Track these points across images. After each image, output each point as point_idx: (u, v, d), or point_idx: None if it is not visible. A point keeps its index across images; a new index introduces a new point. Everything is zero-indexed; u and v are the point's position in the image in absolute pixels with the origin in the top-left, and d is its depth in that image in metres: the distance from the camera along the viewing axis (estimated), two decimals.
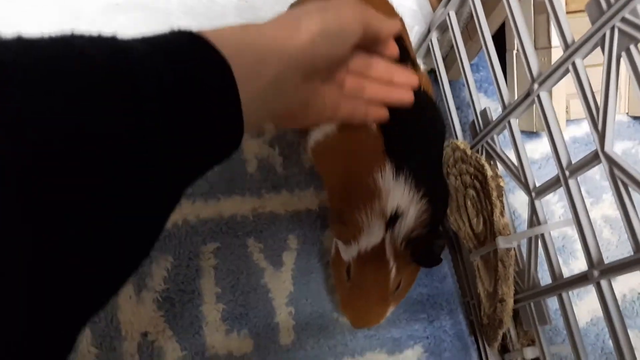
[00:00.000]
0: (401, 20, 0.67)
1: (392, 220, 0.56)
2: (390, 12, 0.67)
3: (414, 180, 0.56)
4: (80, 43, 0.25)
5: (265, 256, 0.69)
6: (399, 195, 0.55)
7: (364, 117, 0.46)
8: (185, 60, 0.27)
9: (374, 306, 0.59)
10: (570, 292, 0.54)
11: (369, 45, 0.43)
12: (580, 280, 0.50)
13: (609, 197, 0.84)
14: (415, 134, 0.59)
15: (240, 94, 0.29)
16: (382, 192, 0.55)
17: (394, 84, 0.45)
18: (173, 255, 0.66)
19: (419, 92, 0.60)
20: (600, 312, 0.51)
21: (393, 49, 0.46)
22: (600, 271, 0.48)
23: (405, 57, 0.60)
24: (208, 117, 0.27)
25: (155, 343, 0.63)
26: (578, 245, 0.79)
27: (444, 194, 0.64)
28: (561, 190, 0.52)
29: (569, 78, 0.51)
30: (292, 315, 0.67)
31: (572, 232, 0.81)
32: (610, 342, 0.74)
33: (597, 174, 0.86)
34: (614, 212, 0.84)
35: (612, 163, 0.45)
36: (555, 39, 0.73)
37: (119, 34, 0.28)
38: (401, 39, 0.62)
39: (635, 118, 0.92)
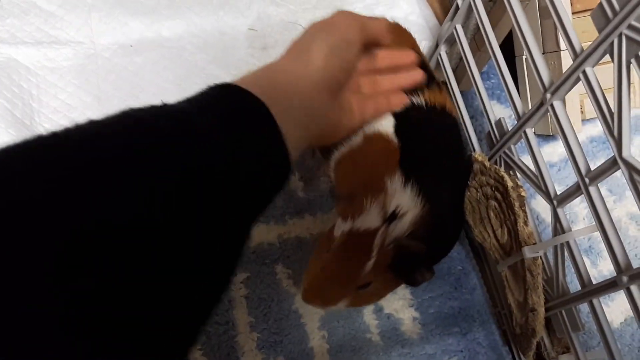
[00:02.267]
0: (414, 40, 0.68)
1: (391, 218, 0.56)
2: (408, 39, 0.68)
3: (420, 192, 0.57)
4: (144, 117, 0.27)
5: (294, 282, 0.71)
6: (402, 198, 0.57)
7: (389, 109, 0.50)
8: (231, 112, 0.30)
9: (332, 286, 0.57)
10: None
11: (370, 45, 0.46)
12: (609, 286, 0.50)
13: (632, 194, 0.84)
14: (431, 147, 0.60)
15: (280, 128, 0.31)
16: (388, 191, 0.57)
17: (400, 68, 0.49)
18: None
19: (443, 113, 0.62)
20: None
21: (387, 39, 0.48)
22: (629, 276, 0.48)
23: (430, 79, 0.61)
24: (259, 158, 0.30)
25: None
26: None
27: (454, 222, 0.64)
28: (581, 194, 0.53)
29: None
30: (326, 339, 0.68)
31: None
32: None
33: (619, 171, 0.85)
34: None
35: (631, 169, 0.46)
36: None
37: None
38: (424, 63, 0.63)
39: None
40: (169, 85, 0.83)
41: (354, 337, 0.68)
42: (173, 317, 0.25)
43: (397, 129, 0.59)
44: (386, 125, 0.59)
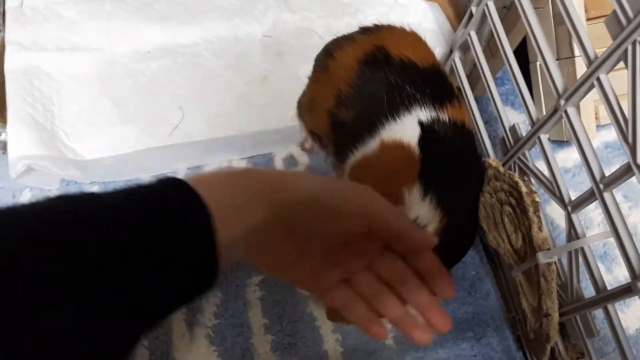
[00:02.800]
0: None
1: None
2: (423, 48, 0.68)
3: (439, 206, 0.56)
4: (70, 207, 0.27)
5: None
6: (422, 210, 0.56)
7: (365, 327, 0.39)
8: (166, 207, 0.29)
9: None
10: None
11: (393, 244, 0.39)
12: (624, 292, 0.50)
13: None
14: (451, 164, 0.60)
15: (219, 235, 0.29)
16: (405, 202, 0.57)
17: (420, 318, 0.38)
18: (220, 291, 0.68)
19: (463, 130, 0.62)
20: None
21: (430, 264, 0.39)
22: None
23: (451, 94, 0.62)
24: (185, 259, 0.29)
25: None
26: None
27: (470, 232, 0.65)
28: (595, 200, 0.53)
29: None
30: (340, 342, 0.69)
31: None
32: None
33: (634, 177, 0.85)
34: None
35: None
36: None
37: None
38: (444, 78, 0.64)
39: None
40: (184, 91, 0.85)
41: (368, 341, 0.69)
42: None
43: (421, 141, 0.59)
44: (410, 134, 0.59)
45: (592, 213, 0.82)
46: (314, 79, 0.73)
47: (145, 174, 0.78)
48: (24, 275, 0.24)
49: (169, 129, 0.80)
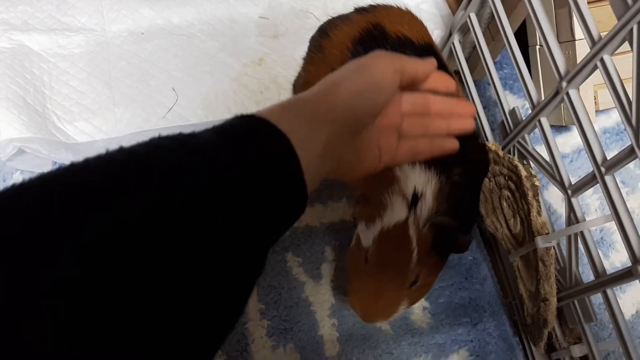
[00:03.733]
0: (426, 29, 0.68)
1: (414, 201, 0.56)
2: (419, 26, 0.67)
3: (429, 165, 0.57)
4: (165, 145, 0.29)
5: (304, 270, 0.71)
6: (415, 177, 0.57)
7: (429, 153, 0.46)
8: (251, 142, 0.31)
9: (387, 297, 0.56)
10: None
11: (412, 86, 0.44)
12: (624, 276, 0.50)
13: None
14: None
15: (303, 159, 0.32)
16: (399, 177, 0.57)
17: (454, 116, 0.46)
18: None
19: None
20: None
21: (446, 82, 0.46)
22: None
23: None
24: (276, 190, 0.31)
25: None
26: (617, 237, 0.78)
27: (473, 190, 0.63)
28: (597, 183, 0.52)
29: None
30: (336, 327, 0.68)
31: (610, 224, 0.80)
32: None
33: (632, 163, 0.84)
34: None
35: None
36: (579, 32, 0.73)
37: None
38: (439, 56, 0.62)
39: None
40: (179, 73, 0.83)
41: (364, 326, 0.68)
42: (186, 324, 0.25)
43: None
44: None
45: (590, 199, 0.82)
46: (309, 59, 0.71)
47: None
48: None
49: (163, 111, 0.78)
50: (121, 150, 0.28)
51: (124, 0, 0.88)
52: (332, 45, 0.65)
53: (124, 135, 0.76)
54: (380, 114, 0.41)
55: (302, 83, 0.74)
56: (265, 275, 0.69)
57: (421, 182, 0.56)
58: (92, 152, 0.28)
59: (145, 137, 0.29)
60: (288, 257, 0.71)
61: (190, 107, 0.80)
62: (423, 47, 0.63)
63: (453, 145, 0.46)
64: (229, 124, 0.32)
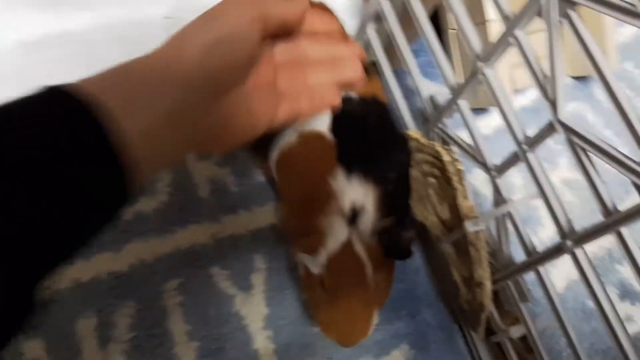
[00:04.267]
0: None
1: (353, 217, 0.55)
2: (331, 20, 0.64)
3: (367, 177, 0.56)
4: None
5: (232, 282, 0.66)
6: (353, 192, 0.55)
7: (318, 108, 0.39)
8: (42, 119, 0.24)
9: (359, 313, 0.56)
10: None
11: (287, 34, 0.37)
12: (555, 252, 0.50)
13: (565, 161, 0.85)
14: (365, 136, 0.58)
15: (131, 132, 0.26)
16: (336, 193, 0.55)
17: (337, 63, 0.39)
18: (135, 300, 0.62)
19: (374, 103, 0.61)
20: (575, 275, 0.50)
21: (326, 22, 0.40)
22: (573, 240, 0.47)
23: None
24: (74, 174, 0.24)
25: None
26: (543, 213, 0.79)
27: (403, 184, 0.62)
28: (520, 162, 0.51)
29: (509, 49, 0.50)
30: (272, 339, 0.64)
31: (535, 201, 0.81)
32: (588, 302, 0.74)
33: (550, 139, 0.86)
34: (573, 175, 0.84)
35: (569, 131, 0.45)
36: (490, 13, 0.73)
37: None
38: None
39: (577, 78, 0.94)
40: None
41: (302, 333, 0.65)
42: None
43: (332, 124, 0.57)
44: (322, 123, 0.57)
45: (513, 177, 0.82)
46: None
47: None
48: None
49: None
50: None
51: (12, 8, 0.79)
52: None
53: None
54: (249, 72, 0.34)
55: None
56: (191, 292, 0.64)
57: (359, 197, 0.55)
58: None
59: None
60: (214, 270, 0.66)
61: None
62: None
63: (334, 99, 0.39)
64: (24, 99, 0.25)
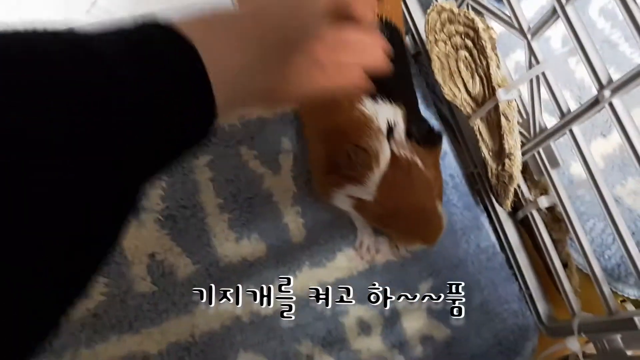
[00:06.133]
0: None
1: (389, 132, 0.58)
2: None
3: (390, 95, 0.59)
4: (43, 41, 0.24)
5: (261, 162, 0.67)
6: (385, 111, 0.58)
7: (342, 83, 0.44)
8: (149, 49, 0.27)
9: (429, 211, 0.57)
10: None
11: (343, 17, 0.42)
12: (591, 106, 0.49)
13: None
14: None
15: (214, 75, 0.29)
16: (371, 117, 0.58)
17: (369, 48, 0.45)
18: (165, 174, 0.63)
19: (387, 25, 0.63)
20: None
21: (364, 10, 0.44)
22: (611, 90, 0.47)
23: None
24: (175, 101, 0.27)
25: (164, 262, 0.60)
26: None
27: (411, 90, 0.67)
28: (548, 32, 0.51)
29: None
30: (300, 214, 0.65)
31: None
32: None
33: None
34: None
35: None
36: None
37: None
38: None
39: None
40: None
41: (329, 211, 0.66)
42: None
43: None
44: None
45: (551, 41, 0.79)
46: None
47: None
48: None
49: (87, 5, 0.70)
50: None
51: None
52: None
53: None
54: (311, 41, 0.39)
55: None
56: (221, 170, 0.65)
57: (390, 112, 0.58)
58: None
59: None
60: (243, 150, 0.66)
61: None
62: None
63: (358, 77, 0.44)
64: (129, 30, 0.28)
